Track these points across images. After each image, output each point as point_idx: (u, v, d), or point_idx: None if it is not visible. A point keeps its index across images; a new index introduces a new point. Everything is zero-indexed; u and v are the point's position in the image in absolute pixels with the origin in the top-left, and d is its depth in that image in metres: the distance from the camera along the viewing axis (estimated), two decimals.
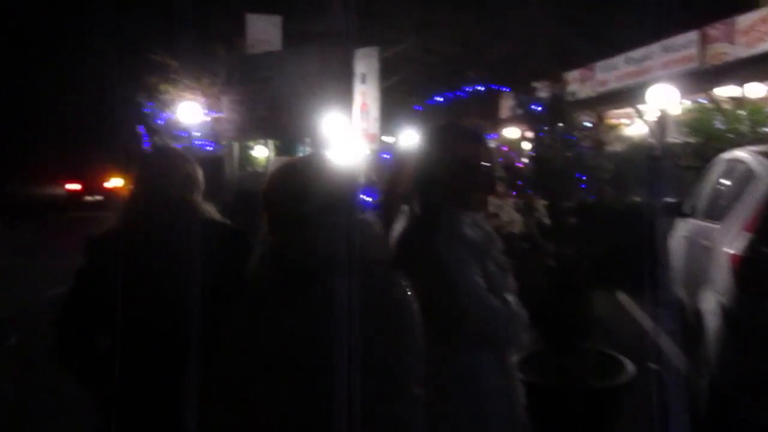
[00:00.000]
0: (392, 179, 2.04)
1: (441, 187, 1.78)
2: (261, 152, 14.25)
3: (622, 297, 6.02)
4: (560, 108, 3.72)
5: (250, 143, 13.58)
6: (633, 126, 14.11)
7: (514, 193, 3.55)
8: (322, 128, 9.89)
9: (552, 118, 3.73)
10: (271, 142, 13.58)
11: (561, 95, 3.73)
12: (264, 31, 12.86)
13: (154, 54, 12.64)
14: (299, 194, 1.43)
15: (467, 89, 20.23)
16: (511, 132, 18.29)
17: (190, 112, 12.23)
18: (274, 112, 10.28)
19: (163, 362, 1.72)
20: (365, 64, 10.28)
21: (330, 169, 1.54)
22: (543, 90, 3.82)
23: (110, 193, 29.63)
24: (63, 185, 28.79)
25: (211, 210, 2.04)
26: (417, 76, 19.98)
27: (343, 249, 1.38)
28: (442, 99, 19.96)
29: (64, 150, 30.17)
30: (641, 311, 5.79)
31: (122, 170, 31.44)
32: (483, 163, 1.82)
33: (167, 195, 1.88)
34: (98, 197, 27.90)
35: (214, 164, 10.47)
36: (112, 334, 1.78)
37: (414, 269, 1.57)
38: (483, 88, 17.84)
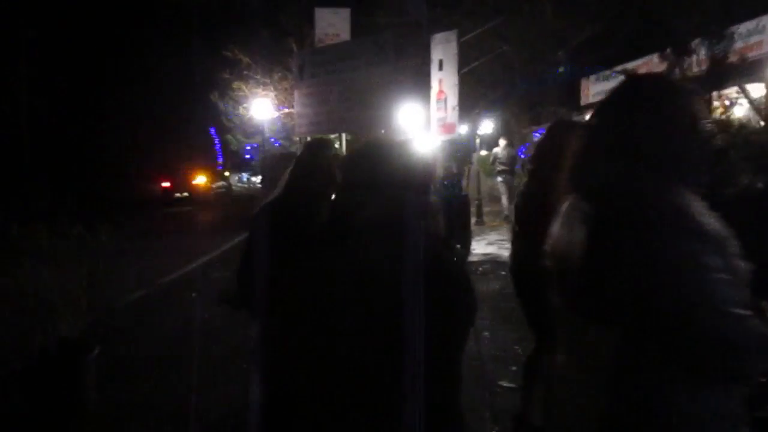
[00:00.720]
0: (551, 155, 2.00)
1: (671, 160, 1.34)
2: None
3: None
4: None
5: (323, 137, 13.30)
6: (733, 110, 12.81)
7: None
8: (398, 119, 9.37)
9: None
10: (344, 137, 13.16)
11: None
12: (333, 25, 12.52)
13: (227, 51, 12.55)
14: (379, 166, 1.53)
15: (546, 76, 19.18)
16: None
17: (263, 109, 12.05)
18: (347, 104, 9.87)
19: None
20: (442, 50, 9.65)
21: (409, 149, 1.65)
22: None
23: (194, 189, 32.72)
24: (159, 183, 32.11)
25: None
26: (490, 65, 19.20)
27: (409, 218, 1.46)
28: (518, 87, 19.01)
29: (157, 150, 32.85)
30: None
31: (207, 169, 34.69)
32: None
33: (309, 188, 2.57)
34: (185, 194, 31.89)
35: (286, 161, 10.16)
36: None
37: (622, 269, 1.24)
38: (563, 74, 16.74)
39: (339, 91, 10.05)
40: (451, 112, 9.71)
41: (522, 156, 19.94)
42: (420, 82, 10.13)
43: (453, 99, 9.67)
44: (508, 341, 4.84)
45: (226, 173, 24.54)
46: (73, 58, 27.84)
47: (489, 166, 20.69)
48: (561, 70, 8.17)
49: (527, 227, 2.91)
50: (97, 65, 30.33)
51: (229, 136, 14.84)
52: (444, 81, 9.71)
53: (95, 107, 31.21)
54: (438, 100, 9.86)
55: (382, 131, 10.41)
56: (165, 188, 31.91)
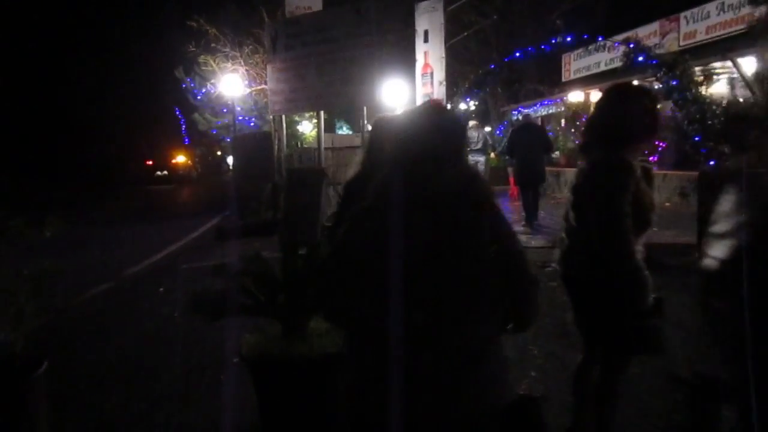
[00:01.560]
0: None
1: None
2: (309, 128, 13.07)
3: None
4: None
5: (297, 117, 12.47)
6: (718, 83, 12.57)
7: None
8: (381, 96, 8.73)
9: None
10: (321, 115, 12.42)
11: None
12: None
13: (191, 21, 11.60)
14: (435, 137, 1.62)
15: (526, 50, 18.65)
16: (576, 96, 16.74)
17: (232, 85, 11.20)
18: (326, 79, 9.15)
19: None
20: (428, 19, 8.98)
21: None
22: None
23: (173, 168, 35.29)
24: (145, 162, 35.95)
25: None
26: (466, 41, 18.62)
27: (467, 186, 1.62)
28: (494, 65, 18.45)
29: (139, 131, 36.50)
30: None
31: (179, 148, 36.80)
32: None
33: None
34: (165, 172, 34.86)
35: (260, 142, 9.48)
36: None
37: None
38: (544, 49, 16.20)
39: (316, 66, 9.34)
40: (438, 87, 9.09)
41: (500, 135, 19.44)
42: (404, 55, 9.48)
43: (440, 73, 9.04)
44: (526, 340, 4.29)
45: (218, 152, 23.93)
46: (35, 33, 26.36)
47: None
48: (557, 39, 7.61)
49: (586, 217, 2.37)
50: (61, 41, 28.87)
51: (196, 115, 13.91)
52: (430, 54, 9.07)
53: (59, 84, 29.92)
54: (423, 75, 9.23)
55: (364, 108, 9.77)
56: (148, 166, 35.16)
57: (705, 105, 6.77)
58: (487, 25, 16.82)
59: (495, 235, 1.58)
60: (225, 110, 12.61)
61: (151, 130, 37.68)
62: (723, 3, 11.63)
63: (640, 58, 7.18)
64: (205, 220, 12.56)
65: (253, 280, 3.24)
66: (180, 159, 36.79)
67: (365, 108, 8.58)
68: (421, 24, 9.10)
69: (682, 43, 12.85)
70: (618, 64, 15.25)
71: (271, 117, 10.31)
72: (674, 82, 6.94)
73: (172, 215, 16.25)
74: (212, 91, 12.71)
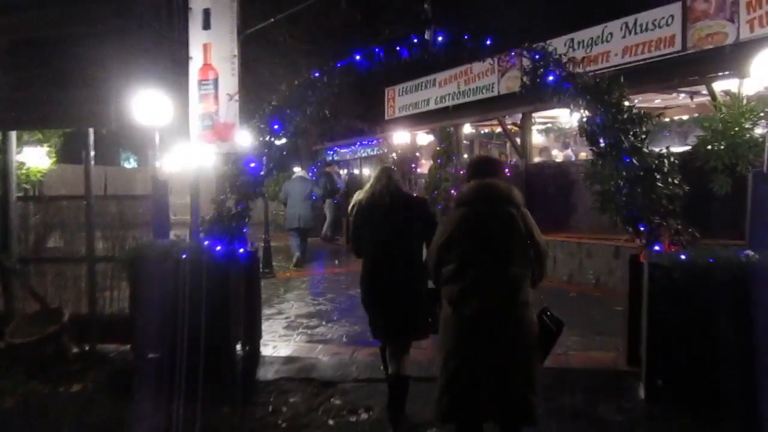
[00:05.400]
0: None
1: None
2: (35, 156, 8.30)
3: None
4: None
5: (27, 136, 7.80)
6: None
7: None
8: (134, 112, 5.09)
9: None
10: (54, 140, 7.94)
11: None
12: None
13: None
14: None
15: (373, 51, 16.02)
16: (401, 136, 14.42)
17: None
18: (58, 87, 5.26)
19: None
20: None
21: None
22: None
23: None
24: None
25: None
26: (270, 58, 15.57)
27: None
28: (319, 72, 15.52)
29: None
30: None
31: None
32: None
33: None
34: None
35: None
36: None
37: None
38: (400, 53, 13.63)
39: (49, 70, 5.33)
40: (227, 103, 5.60)
41: (312, 177, 16.31)
42: (167, 49, 5.85)
43: (230, 81, 5.58)
44: None
45: None
46: None
47: (275, 191, 16.87)
48: (425, 38, 4.58)
49: None
50: None
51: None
52: (213, 49, 5.56)
53: None
54: (203, 83, 5.67)
55: (104, 130, 5.88)
56: None
57: (649, 157, 4.30)
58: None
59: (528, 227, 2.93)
60: None
61: None
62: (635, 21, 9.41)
63: (550, 78, 4.53)
64: None
65: None
66: None
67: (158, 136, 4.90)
68: (197, 1, 5.58)
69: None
70: (450, 102, 13.47)
71: None
72: (599, 120, 4.41)
73: None
74: None
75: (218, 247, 4.95)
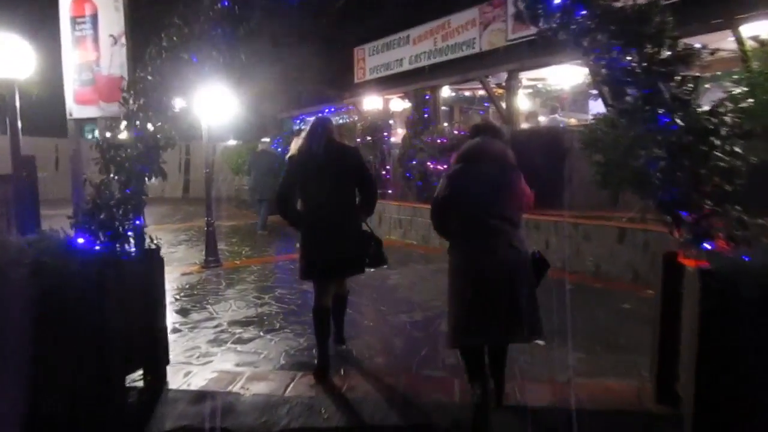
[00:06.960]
0: None
1: None
2: None
3: None
4: None
5: None
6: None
7: None
8: None
9: None
10: None
11: None
12: None
13: None
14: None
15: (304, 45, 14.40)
16: (372, 102, 12.92)
17: None
18: None
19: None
20: None
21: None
22: None
23: None
24: None
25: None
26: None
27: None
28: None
29: None
30: None
31: None
32: None
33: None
34: None
35: None
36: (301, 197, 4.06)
37: None
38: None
39: None
40: (111, 48, 4.12)
41: (276, 148, 14.78)
42: None
43: (114, 17, 4.09)
44: None
45: None
46: None
47: (238, 164, 15.53)
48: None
49: None
50: None
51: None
52: None
53: None
54: (77, 20, 4.18)
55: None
56: None
57: (699, 119, 2.95)
58: None
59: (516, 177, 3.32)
60: None
61: None
62: None
63: (583, 12, 3.11)
64: None
65: None
66: None
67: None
68: None
69: (511, 37, 9.71)
70: (426, 61, 11.93)
71: None
72: (625, 64, 3.04)
73: None
74: None
75: (95, 247, 3.58)
